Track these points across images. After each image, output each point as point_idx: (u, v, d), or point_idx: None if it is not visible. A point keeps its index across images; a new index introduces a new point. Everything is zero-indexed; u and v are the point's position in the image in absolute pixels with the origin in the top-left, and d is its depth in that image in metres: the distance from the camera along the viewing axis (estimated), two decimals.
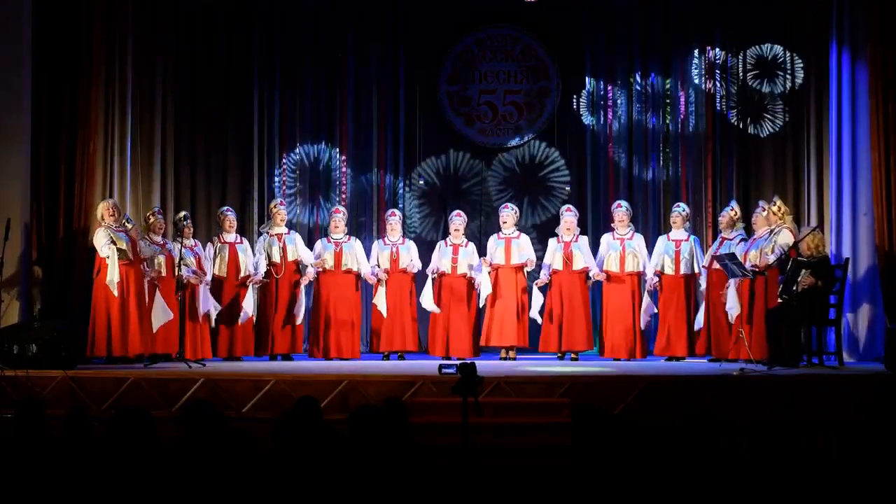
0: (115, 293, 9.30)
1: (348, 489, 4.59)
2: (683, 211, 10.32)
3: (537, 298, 10.27)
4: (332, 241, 10.43)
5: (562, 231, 10.38)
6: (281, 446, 4.82)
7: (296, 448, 4.78)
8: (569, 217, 10.38)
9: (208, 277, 10.04)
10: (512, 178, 11.80)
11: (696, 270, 10.08)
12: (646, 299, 10.20)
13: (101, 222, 9.56)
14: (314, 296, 10.48)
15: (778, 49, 11.17)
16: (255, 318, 10.29)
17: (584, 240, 10.44)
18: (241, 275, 10.21)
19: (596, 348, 10.51)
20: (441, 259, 10.38)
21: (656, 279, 10.14)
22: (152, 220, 9.96)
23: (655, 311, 10.20)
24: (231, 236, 10.37)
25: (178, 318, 9.64)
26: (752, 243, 9.68)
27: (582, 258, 10.26)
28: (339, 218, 10.50)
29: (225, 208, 10.57)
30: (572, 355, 10.25)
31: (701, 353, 10.00)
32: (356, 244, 10.51)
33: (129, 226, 9.53)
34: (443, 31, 11.84)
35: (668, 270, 10.12)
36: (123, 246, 9.40)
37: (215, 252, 10.21)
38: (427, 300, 10.31)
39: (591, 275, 10.25)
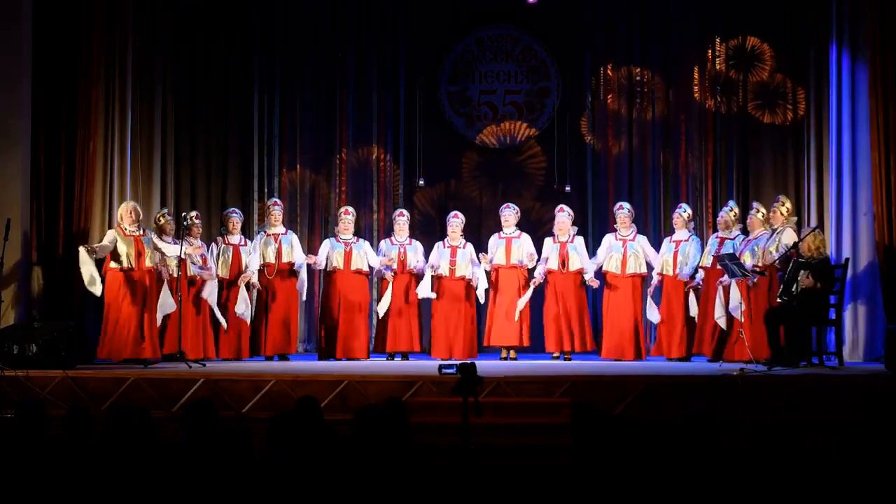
0: (97, 293, 9.33)
1: (348, 489, 4.59)
2: (684, 212, 10.31)
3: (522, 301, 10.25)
4: (341, 241, 10.39)
5: (556, 231, 10.37)
6: (277, 445, 4.83)
7: (293, 447, 4.78)
8: (561, 217, 10.35)
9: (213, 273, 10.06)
10: (512, 179, 11.80)
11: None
12: (648, 302, 10.18)
13: (119, 223, 9.56)
14: (323, 296, 10.46)
15: (778, 49, 11.17)
16: (251, 320, 10.29)
17: (580, 240, 10.40)
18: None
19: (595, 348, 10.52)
20: (439, 260, 10.37)
21: (656, 280, 10.14)
22: (163, 221, 9.98)
23: (657, 315, 10.18)
24: (235, 238, 10.35)
25: (177, 318, 9.65)
26: (746, 244, 9.70)
27: (578, 259, 10.24)
28: (348, 219, 10.43)
29: (230, 209, 10.56)
30: (565, 356, 10.24)
31: (699, 353, 10.02)
32: (365, 244, 10.49)
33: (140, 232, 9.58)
34: (443, 31, 11.85)
35: (667, 271, 10.13)
36: (125, 250, 9.39)
37: (219, 253, 10.21)
38: (424, 289, 10.23)
39: (585, 279, 10.24)
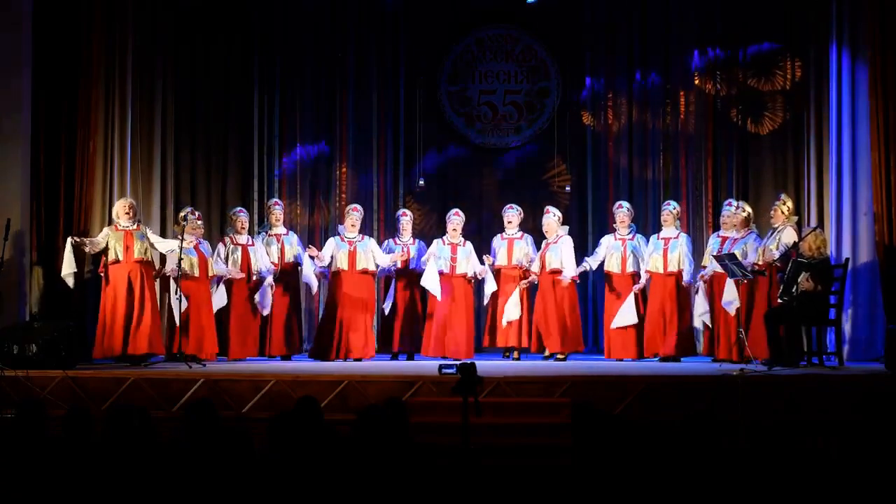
0: (70, 284, 9.36)
1: (348, 489, 4.60)
2: (674, 209, 10.29)
3: (511, 303, 10.22)
4: (345, 239, 10.29)
5: (544, 232, 10.35)
6: (277, 445, 4.83)
7: (293, 447, 4.78)
8: (547, 219, 10.32)
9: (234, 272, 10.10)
10: (512, 179, 11.80)
11: (681, 268, 10.04)
12: (630, 299, 10.11)
13: (116, 220, 9.57)
14: (327, 296, 10.42)
15: (777, 49, 11.17)
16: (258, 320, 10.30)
17: (568, 241, 10.30)
18: (253, 276, 10.18)
19: (587, 348, 10.55)
20: (439, 255, 10.31)
21: (645, 278, 10.10)
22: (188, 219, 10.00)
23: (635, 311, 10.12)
24: (243, 238, 10.32)
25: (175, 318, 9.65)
26: (733, 244, 9.73)
27: (557, 260, 10.17)
28: (356, 216, 10.33)
29: (237, 209, 10.54)
30: (558, 356, 10.17)
31: (697, 353, 10.04)
32: (371, 243, 10.39)
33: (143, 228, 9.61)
34: (443, 31, 11.86)
35: (656, 269, 10.10)
36: (113, 243, 9.41)
37: (227, 253, 10.19)
38: (431, 280, 10.10)
39: (564, 275, 10.09)
